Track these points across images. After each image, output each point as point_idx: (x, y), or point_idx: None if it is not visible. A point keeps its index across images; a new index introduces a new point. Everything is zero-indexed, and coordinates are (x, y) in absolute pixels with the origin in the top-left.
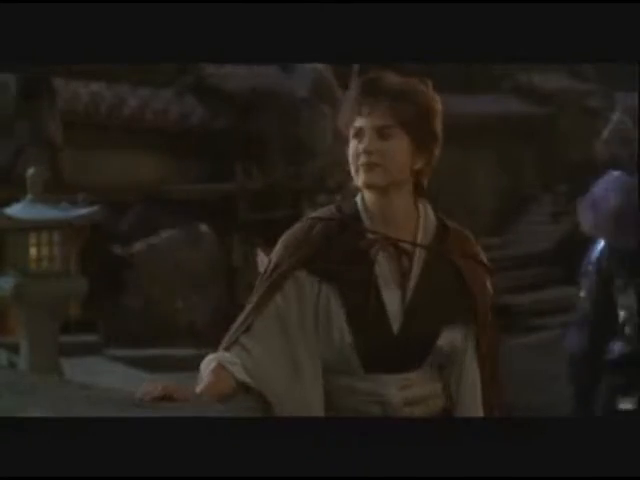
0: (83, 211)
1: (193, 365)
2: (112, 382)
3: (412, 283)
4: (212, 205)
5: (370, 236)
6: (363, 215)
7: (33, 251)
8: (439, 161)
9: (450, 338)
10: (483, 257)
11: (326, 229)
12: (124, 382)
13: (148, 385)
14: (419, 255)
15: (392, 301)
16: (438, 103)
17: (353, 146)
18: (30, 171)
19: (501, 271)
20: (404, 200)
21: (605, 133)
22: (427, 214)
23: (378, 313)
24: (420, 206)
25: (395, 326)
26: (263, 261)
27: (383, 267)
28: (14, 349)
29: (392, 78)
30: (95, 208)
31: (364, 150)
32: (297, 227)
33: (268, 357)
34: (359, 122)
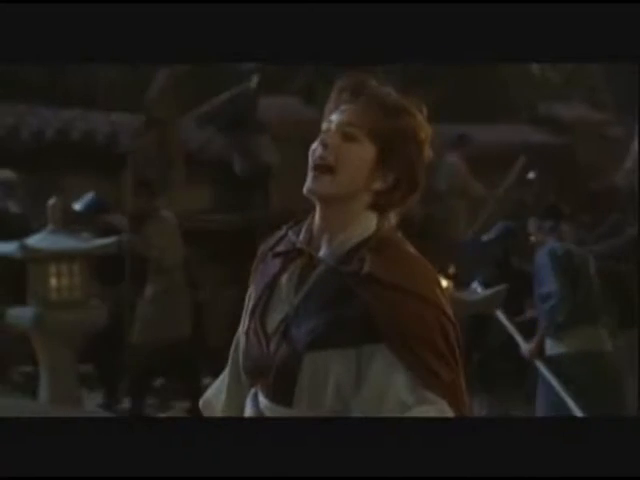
0: (103, 241)
1: None
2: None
3: (297, 299)
4: (231, 235)
5: (296, 246)
6: (305, 225)
7: (53, 281)
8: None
9: (321, 367)
10: (424, 290)
11: (273, 239)
12: (144, 411)
13: None
14: (317, 271)
15: (275, 318)
16: (424, 132)
17: (316, 141)
18: (51, 201)
19: None
20: (348, 213)
21: (626, 162)
22: (360, 224)
23: (258, 330)
24: (360, 217)
25: (271, 347)
26: None
27: (285, 280)
28: (34, 379)
29: (385, 90)
30: (115, 238)
31: (321, 142)
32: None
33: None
34: (332, 117)
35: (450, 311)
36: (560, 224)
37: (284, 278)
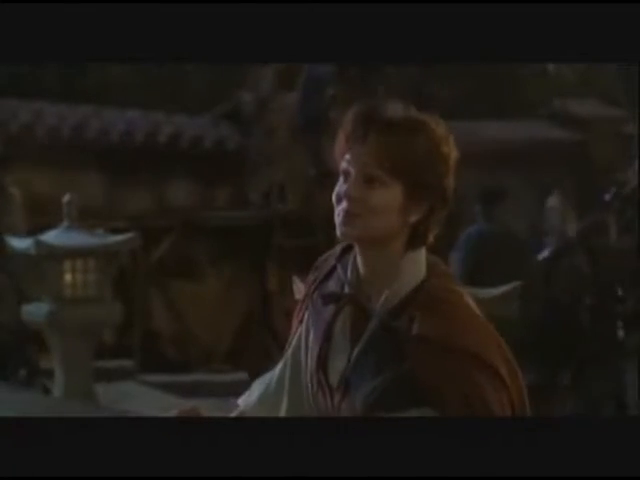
0: (118, 238)
1: (228, 390)
2: (146, 408)
3: (354, 354)
4: (247, 231)
5: (344, 290)
6: (350, 261)
7: (68, 277)
8: (472, 187)
9: None
10: (469, 342)
11: (325, 268)
12: (158, 408)
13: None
14: (371, 324)
15: (336, 369)
16: (446, 145)
17: (338, 184)
18: (66, 197)
19: None
20: (389, 254)
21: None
22: (409, 271)
23: (320, 378)
24: (405, 259)
25: (335, 399)
26: (299, 288)
27: (341, 328)
28: (49, 375)
29: (393, 112)
30: (130, 235)
31: (345, 194)
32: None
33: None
34: (348, 158)
35: (505, 372)
36: (491, 207)
37: (338, 327)
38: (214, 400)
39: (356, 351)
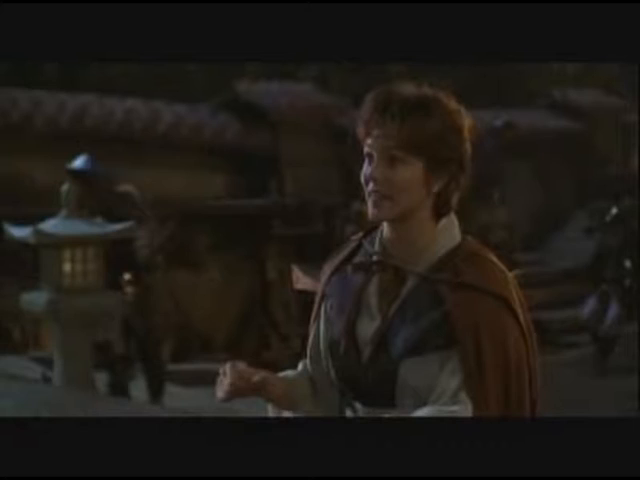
0: (117, 227)
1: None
2: (144, 397)
3: (392, 310)
4: (246, 220)
5: (374, 258)
6: (377, 236)
7: (67, 267)
8: (471, 175)
9: (418, 372)
10: (504, 291)
11: (346, 250)
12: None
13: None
14: (410, 282)
15: (367, 328)
16: (459, 117)
17: (364, 168)
18: (64, 187)
19: (536, 287)
20: (418, 223)
21: None
22: (444, 236)
23: (349, 340)
24: (440, 226)
25: (364, 356)
26: (298, 277)
27: (373, 292)
28: (49, 364)
29: (405, 92)
30: (129, 224)
31: (371, 177)
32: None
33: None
34: (370, 142)
35: (522, 318)
36: None
37: (370, 291)
38: (212, 389)
39: (394, 307)
